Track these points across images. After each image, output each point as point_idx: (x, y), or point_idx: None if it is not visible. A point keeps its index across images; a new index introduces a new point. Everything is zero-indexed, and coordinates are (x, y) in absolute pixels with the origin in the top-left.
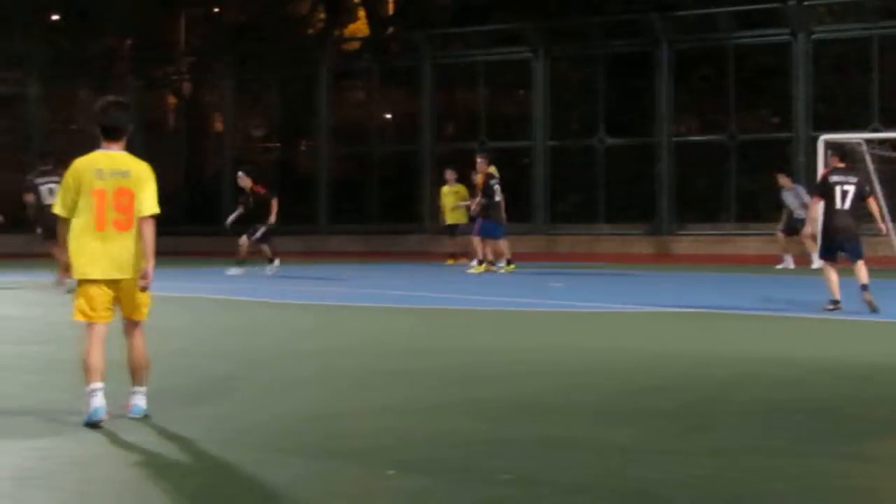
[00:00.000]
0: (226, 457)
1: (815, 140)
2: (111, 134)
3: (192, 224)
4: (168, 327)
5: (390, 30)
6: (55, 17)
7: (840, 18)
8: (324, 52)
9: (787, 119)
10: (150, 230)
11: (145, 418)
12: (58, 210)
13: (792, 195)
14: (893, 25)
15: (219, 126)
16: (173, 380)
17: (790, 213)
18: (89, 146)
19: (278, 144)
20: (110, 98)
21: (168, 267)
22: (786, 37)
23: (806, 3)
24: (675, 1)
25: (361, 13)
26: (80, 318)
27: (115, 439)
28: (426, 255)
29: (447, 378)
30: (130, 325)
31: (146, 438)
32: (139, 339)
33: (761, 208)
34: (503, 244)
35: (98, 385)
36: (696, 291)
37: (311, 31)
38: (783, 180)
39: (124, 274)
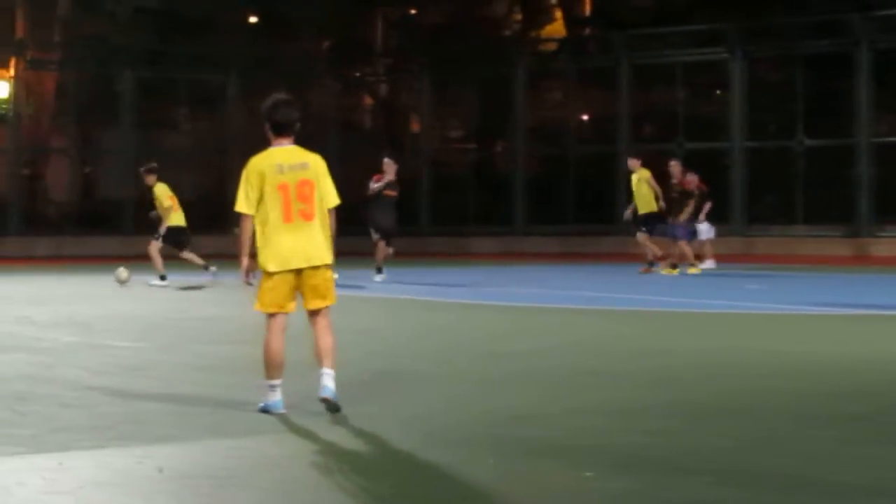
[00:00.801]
0: (423, 456)
1: None
2: (283, 129)
3: None
4: (366, 328)
5: (587, 30)
6: (254, 20)
7: None
8: (520, 52)
9: None
10: (333, 221)
11: (342, 418)
12: (241, 208)
13: None
14: None
15: (415, 127)
16: (370, 379)
17: None
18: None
19: (474, 145)
20: (279, 96)
21: (363, 267)
22: None
23: None
24: (876, 0)
25: (558, 14)
26: (267, 309)
27: (312, 438)
28: (622, 256)
29: (644, 380)
30: (317, 312)
31: (343, 438)
32: (327, 324)
33: None
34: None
35: (278, 382)
36: (893, 294)
37: (507, 31)
38: None
39: (312, 262)
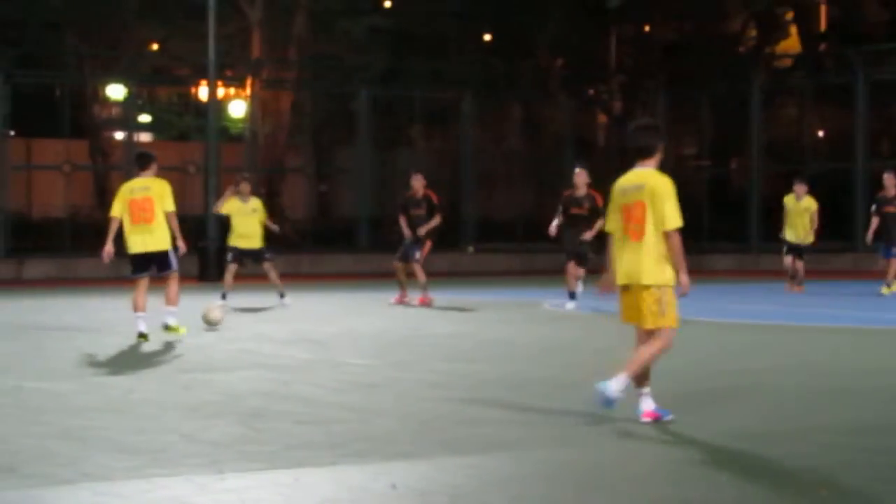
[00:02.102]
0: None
1: None
2: (637, 154)
3: None
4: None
5: (823, 46)
6: (488, 38)
7: None
8: (756, 69)
9: None
10: (673, 242)
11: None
12: (608, 228)
13: None
14: None
15: None
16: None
17: None
18: (511, 164)
19: (710, 162)
20: (640, 121)
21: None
22: None
23: None
24: None
25: (793, 29)
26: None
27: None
28: (860, 273)
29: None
30: (643, 331)
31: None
32: (645, 348)
33: None
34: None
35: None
36: None
37: (742, 48)
38: None
39: (631, 280)
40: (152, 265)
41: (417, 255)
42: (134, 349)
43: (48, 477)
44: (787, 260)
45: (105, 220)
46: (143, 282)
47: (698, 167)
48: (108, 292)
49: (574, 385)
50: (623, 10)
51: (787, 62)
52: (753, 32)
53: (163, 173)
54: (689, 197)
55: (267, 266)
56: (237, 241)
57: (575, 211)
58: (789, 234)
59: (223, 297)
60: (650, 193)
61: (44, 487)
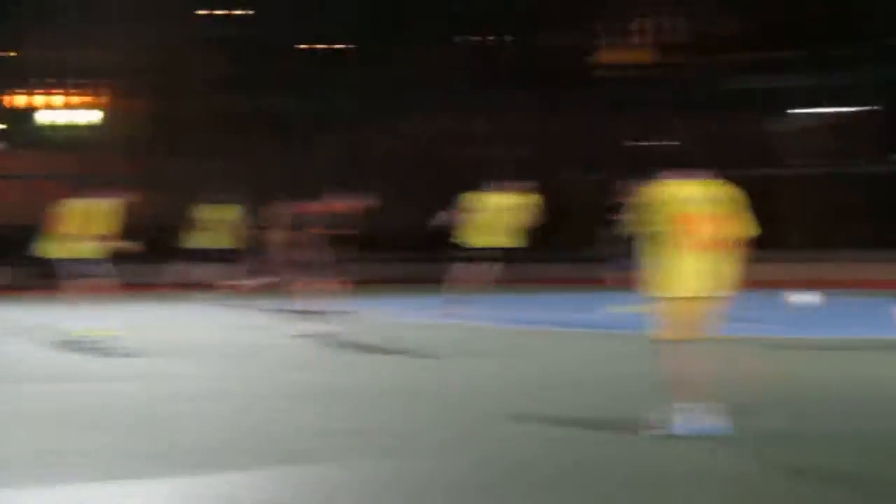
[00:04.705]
0: None
1: None
2: None
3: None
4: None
5: (669, 57)
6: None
7: None
8: (605, 79)
9: None
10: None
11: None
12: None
13: None
14: None
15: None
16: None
17: None
18: None
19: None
20: None
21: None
22: None
23: None
24: None
25: (642, 41)
26: None
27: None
28: None
29: None
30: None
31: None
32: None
33: None
34: None
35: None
36: None
37: (592, 58)
38: None
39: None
40: None
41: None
42: None
43: None
44: None
45: None
46: None
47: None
48: None
49: (400, 394)
50: (463, 16)
51: (636, 73)
52: (602, 42)
53: None
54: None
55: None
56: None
57: None
58: None
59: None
60: None
61: None
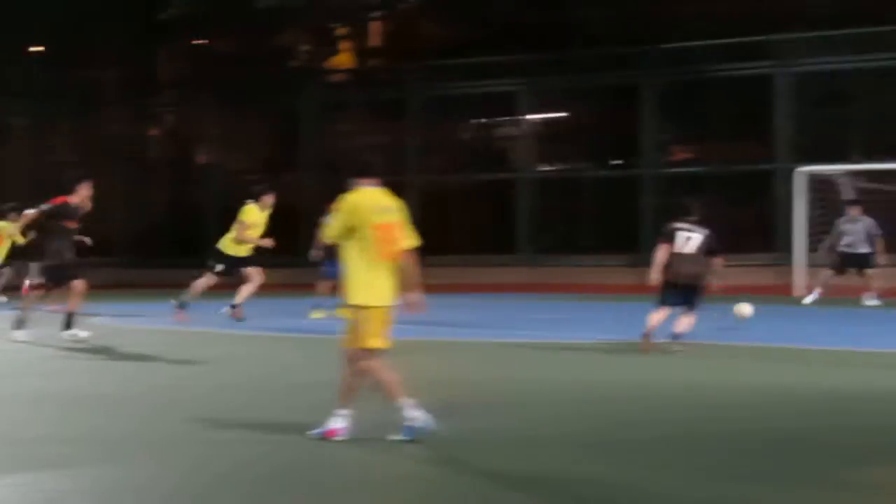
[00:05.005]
0: None
1: (804, 172)
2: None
3: (175, 256)
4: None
5: (377, 61)
6: (40, 49)
7: (822, 51)
8: (310, 83)
9: (768, 151)
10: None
11: None
12: None
13: (862, 226)
14: (874, 58)
15: (204, 158)
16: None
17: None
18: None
19: (263, 176)
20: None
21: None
22: (768, 69)
23: (787, 36)
24: (660, 34)
25: (349, 44)
26: None
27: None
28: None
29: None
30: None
31: None
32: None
33: (745, 240)
34: None
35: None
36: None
37: (296, 62)
38: (855, 210)
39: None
40: None
41: None
42: None
43: None
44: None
45: None
46: None
47: (251, 181)
48: None
49: (111, 400)
50: (176, 22)
51: (342, 77)
52: (308, 47)
53: None
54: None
55: None
56: None
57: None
58: None
59: None
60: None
61: None
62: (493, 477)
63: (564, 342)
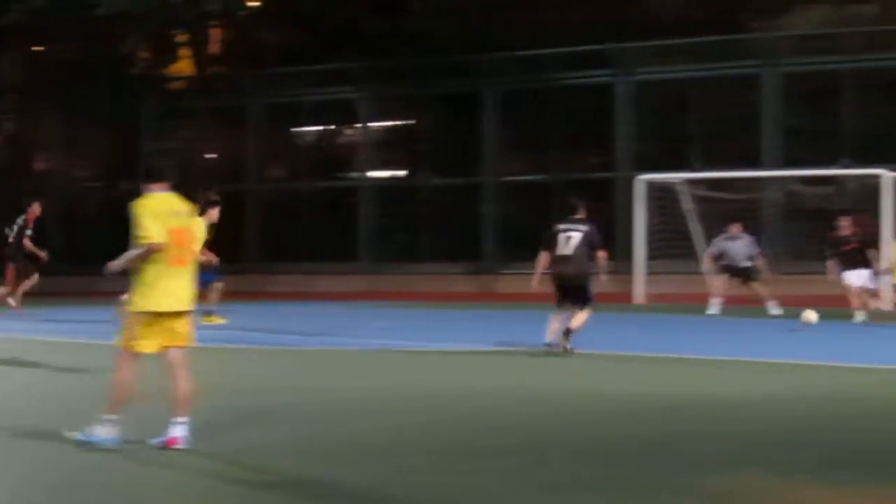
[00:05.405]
0: None
1: (644, 180)
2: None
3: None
4: None
5: (215, 69)
6: None
7: (662, 60)
8: (149, 90)
9: (609, 159)
10: None
11: None
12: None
13: (743, 244)
14: (714, 67)
15: (42, 165)
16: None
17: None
18: None
19: (102, 184)
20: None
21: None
22: (608, 78)
23: (628, 45)
24: (500, 42)
25: (188, 52)
26: None
27: None
28: (252, 294)
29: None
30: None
31: None
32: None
33: None
34: None
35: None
36: (513, 330)
37: (136, 69)
38: (735, 228)
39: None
40: None
41: None
42: None
43: None
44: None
45: None
46: None
47: (90, 189)
48: None
49: None
50: (15, 28)
51: (181, 84)
52: (146, 54)
53: None
54: (83, 218)
55: None
56: None
57: None
58: None
59: None
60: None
61: None
62: (301, 485)
63: (400, 349)
